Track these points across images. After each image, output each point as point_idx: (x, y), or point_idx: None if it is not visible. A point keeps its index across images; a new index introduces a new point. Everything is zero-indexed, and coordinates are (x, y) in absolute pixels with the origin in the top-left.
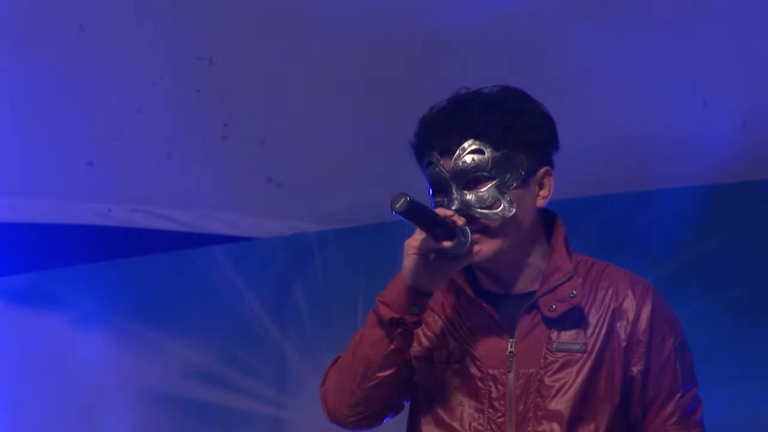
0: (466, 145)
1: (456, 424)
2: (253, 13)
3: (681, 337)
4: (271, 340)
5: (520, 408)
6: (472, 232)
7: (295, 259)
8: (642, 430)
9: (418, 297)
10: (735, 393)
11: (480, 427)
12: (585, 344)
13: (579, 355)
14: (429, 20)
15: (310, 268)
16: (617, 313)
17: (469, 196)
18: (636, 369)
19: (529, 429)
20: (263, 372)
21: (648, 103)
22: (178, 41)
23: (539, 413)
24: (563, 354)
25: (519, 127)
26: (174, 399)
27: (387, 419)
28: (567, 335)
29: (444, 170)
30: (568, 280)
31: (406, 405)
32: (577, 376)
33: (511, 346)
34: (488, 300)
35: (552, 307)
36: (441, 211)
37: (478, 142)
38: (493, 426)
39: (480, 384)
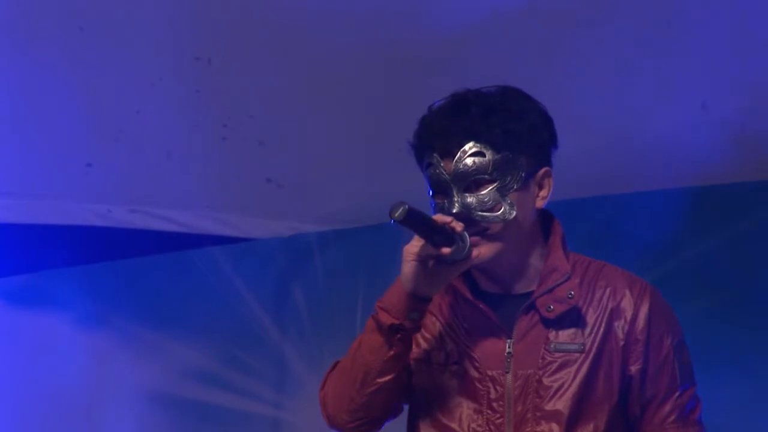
0: (467, 147)
1: (455, 426)
2: (253, 14)
3: (679, 337)
4: (271, 340)
5: (519, 409)
6: (472, 235)
7: (295, 259)
8: (640, 429)
9: (417, 302)
10: (734, 393)
11: (479, 428)
12: (583, 344)
13: (577, 355)
14: (429, 20)
15: (310, 268)
16: (615, 313)
17: (470, 199)
18: (634, 368)
19: (528, 429)
20: (263, 372)
21: (647, 104)
22: (177, 42)
23: (538, 414)
24: (561, 354)
25: (520, 129)
26: (173, 399)
27: (386, 423)
28: (565, 335)
29: (444, 172)
30: (566, 280)
31: (405, 407)
32: (575, 376)
33: (509, 347)
34: (486, 301)
35: (550, 307)
36: (439, 218)
37: (479, 145)
38: (492, 427)
39: (478, 385)
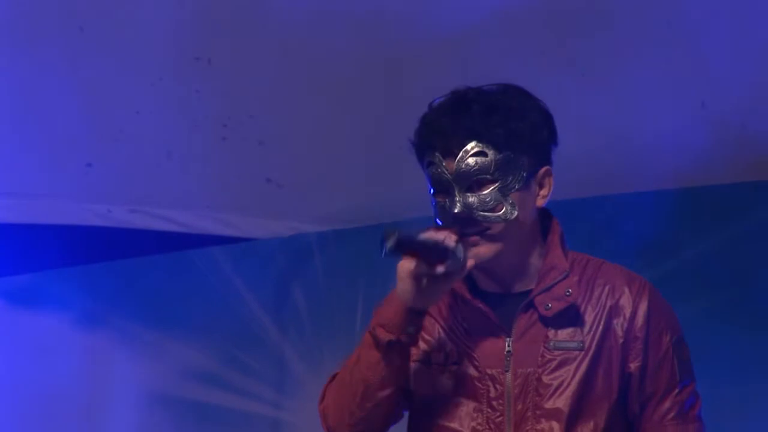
0: (468, 147)
1: (455, 425)
2: (253, 14)
3: (678, 333)
4: (271, 340)
5: (519, 407)
6: (472, 235)
7: (295, 259)
8: (640, 426)
9: (414, 316)
10: (734, 393)
11: (479, 427)
12: (582, 342)
13: (576, 353)
14: (429, 20)
15: (310, 268)
16: (614, 310)
17: (472, 199)
18: (633, 365)
19: (528, 428)
20: (263, 373)
21: (647, 104)
22: (177, 42)
23: (538, 412)
24: (560, 352)
25: (521, 129)
26: (173, 399)
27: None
28: (564, 333)
29: (446, 171)
30: (564, 278)
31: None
32: (574, 373)
33: (508, 346)
34: (485, 300)
35: (548, 305)
36: (431, 235)
37: (480, 145)
38: (492, 426)
39: (478, 384)
